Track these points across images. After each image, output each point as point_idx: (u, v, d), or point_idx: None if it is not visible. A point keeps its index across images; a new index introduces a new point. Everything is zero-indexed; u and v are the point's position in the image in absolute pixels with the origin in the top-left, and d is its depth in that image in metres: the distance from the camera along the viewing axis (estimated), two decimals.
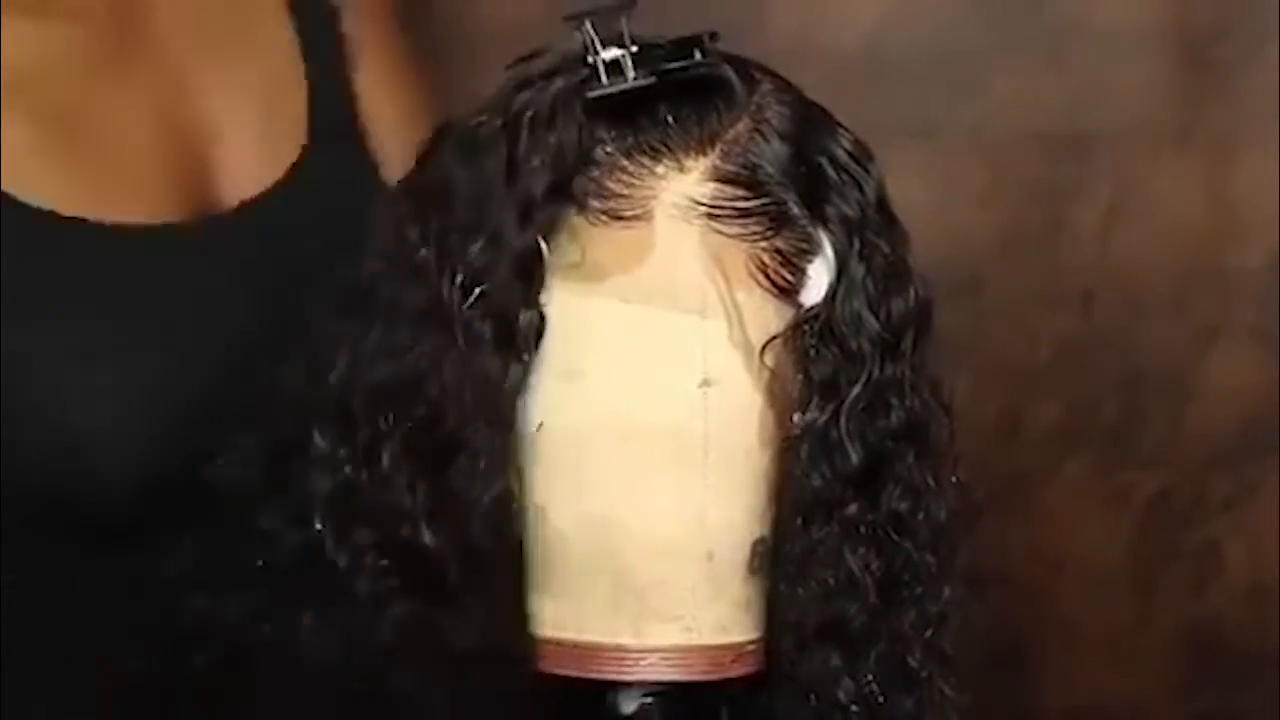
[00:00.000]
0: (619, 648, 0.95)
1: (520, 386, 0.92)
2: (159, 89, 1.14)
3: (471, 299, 0.91)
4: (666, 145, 0.93)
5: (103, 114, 1.11)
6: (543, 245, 0.92)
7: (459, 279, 0.91)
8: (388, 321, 0.93)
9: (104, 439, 1.06)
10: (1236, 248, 1.89)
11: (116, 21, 1.13)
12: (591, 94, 0.92)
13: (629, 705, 0.96)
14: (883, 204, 0.95)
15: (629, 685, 0.96)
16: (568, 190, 0.92)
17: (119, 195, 1.10)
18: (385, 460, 0.92)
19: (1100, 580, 1.95)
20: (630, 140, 0.93)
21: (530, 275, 0.92)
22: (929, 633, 0.97)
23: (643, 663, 0.95)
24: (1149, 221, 1.89)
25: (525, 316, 0.92)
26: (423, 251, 0.93)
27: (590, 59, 0.92)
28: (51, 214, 1.06)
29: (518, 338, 0.92)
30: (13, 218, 1.05)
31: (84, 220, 1.07)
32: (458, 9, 1.87)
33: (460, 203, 0.93)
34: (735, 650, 0.96)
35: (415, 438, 0.92)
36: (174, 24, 1.16)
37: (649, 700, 0.96)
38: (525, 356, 0.92)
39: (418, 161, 0.97)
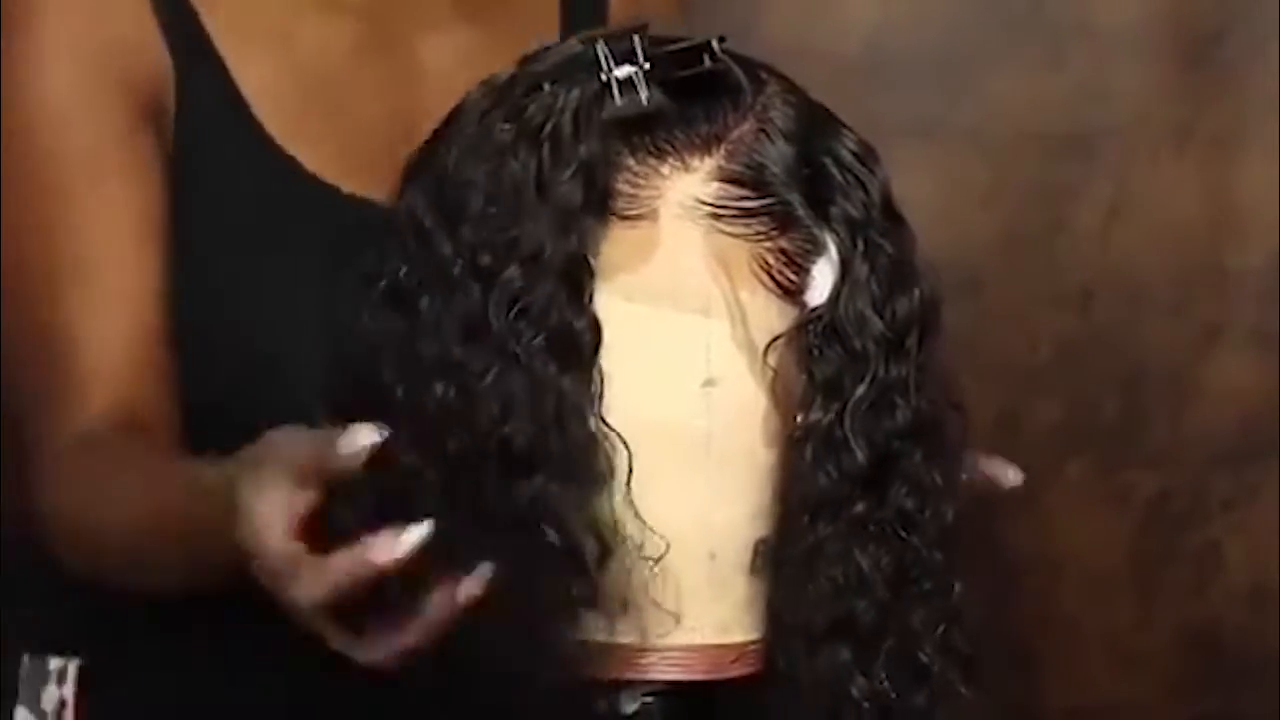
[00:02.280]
0: (620, 647, 0.95)
1: (594, 396, 0.92)
2: (404, 77, 1.26)
3: (520, 317, 0.91)
4: (672, 145, 0.93)
5: (353, 91, 1.26)
6: (589, 257, 0.91)
7: (506, 299, 0.91)
8: (440, 338, 0.93)
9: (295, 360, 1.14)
10: (1237, 247, 1.89)
11: (381, 13, 1.26)
12: (605, 115, 0.92)
13: (630, 704, 0.96)
14: (887, 204, 0.95)
15: (630, 684, 0.96)
16: (602, 200, 0.92)
17: (349, 163, 1.24)
18: (469, 482, 0.92)
19: (1100, 581, 1.94)
20: (636, 140, 0.93)
21: (580, 286, 0.91)
22: (940, 629, 0.97)
23: (644, 662, 0.95)
24: (1149, 221, 1.88)
25: (581, 326, 0.91)
26: (459, 267, 0.92)
27: (604, 76, 0.92)
28: (298, 164, 1.23)
29: (579, 350, 0.91)
30: (267, 158, 1.23)
31: (320, 179, 1.23)
32: None
33: (489, 215, 0.92)
34: (736, 650, 0.96)
35: (496, 457, 0.92)
36: (433, 21, 1.28)
37: (650, 700, 0.96)
38: (590, 366, 0.92)
39: (428, 161, 0.96)
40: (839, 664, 0.95)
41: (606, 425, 0.92)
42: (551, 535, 0.91)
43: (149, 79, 1.22)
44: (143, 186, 1.21)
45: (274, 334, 1.22)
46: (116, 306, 1.20)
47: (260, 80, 1.23)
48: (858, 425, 0.93)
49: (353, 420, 0.94)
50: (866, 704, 0.95)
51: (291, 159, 1.23)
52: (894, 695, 0.95)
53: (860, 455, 0.93)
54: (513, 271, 0.91)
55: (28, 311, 1.21)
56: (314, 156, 1.24)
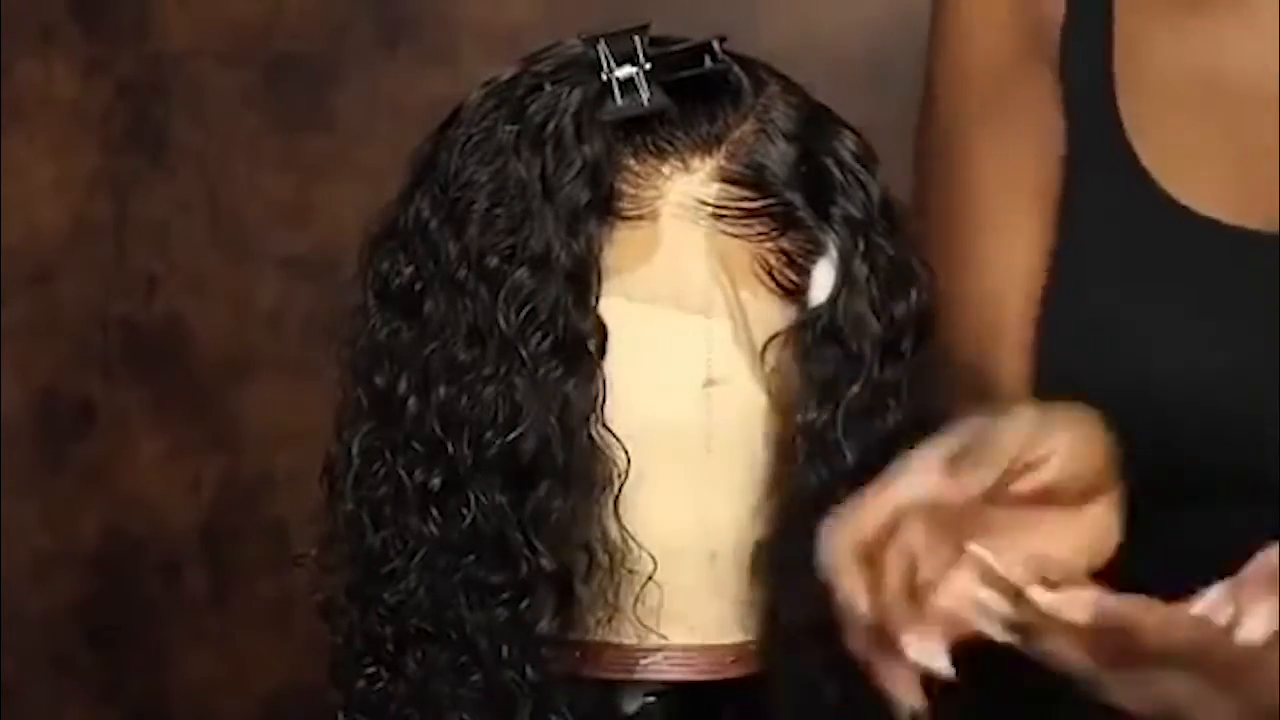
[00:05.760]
0: (621, 647, 0.95)
1: (598, 402, 0.92)
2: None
3: (527, 320, 0.91)
4: (673, 145, 0.93)
5: (1237, 123, 1.11)
6: (596, 259, 0.92)
7: (514, 302, 0.91)
8: (445, 340, 0.93)
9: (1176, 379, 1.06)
10: None
11: None
12: (606, 115, 0.92)
13: (631, 704, 0.96)
14: (887, 205, 0.95)
15: (631, 684, 0.96)
16: (606, 200, 0.92)
17: (1238, 198, 1.10)
18: (474, 484, 0.92)
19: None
20: (637, 140, 0.93)
21: (587, 289, 0.92)
22: None
23: (644, 662, 0.95)
24: None
25: (587, 330, 0.92)
26: (464, 270, 0.93)
27: (604, 76, 0.92)
28: (1187, 210, 1.09)
29: (585, 355, 0.92)
30: (1158, 207, 1.08)
31: (1213, 220, 1.09)
32: (458, 9, 1.87)
33: (494, 217, 0.93)
34: (736, 650, 0.96)
35: (500, 461, 0.92)
36: None
37: (650, 699, 0.97)
38: (595, 370, 0.92)
39: (430, 163, 0.96)
40: (816, 666, 0.94)
41: (609, 431, 0.92)
42: (547, 550, 0.91)
43: (1047, 19, 1.12)
44: (1043, 131, 1.10)
45: (1136, 369, 1.07)
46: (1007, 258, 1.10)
47: (1137, 72, 1.10)
48: (850, 426, 0.93)
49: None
50: (841, 707, 0.95)
51: (1157, 187, 1.09)
52: (868, 701, 0.95)
53: (850, 457, 0.93)
54: (521, 274, 0.91)
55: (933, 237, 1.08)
56: (1202, 196, 1.09)
